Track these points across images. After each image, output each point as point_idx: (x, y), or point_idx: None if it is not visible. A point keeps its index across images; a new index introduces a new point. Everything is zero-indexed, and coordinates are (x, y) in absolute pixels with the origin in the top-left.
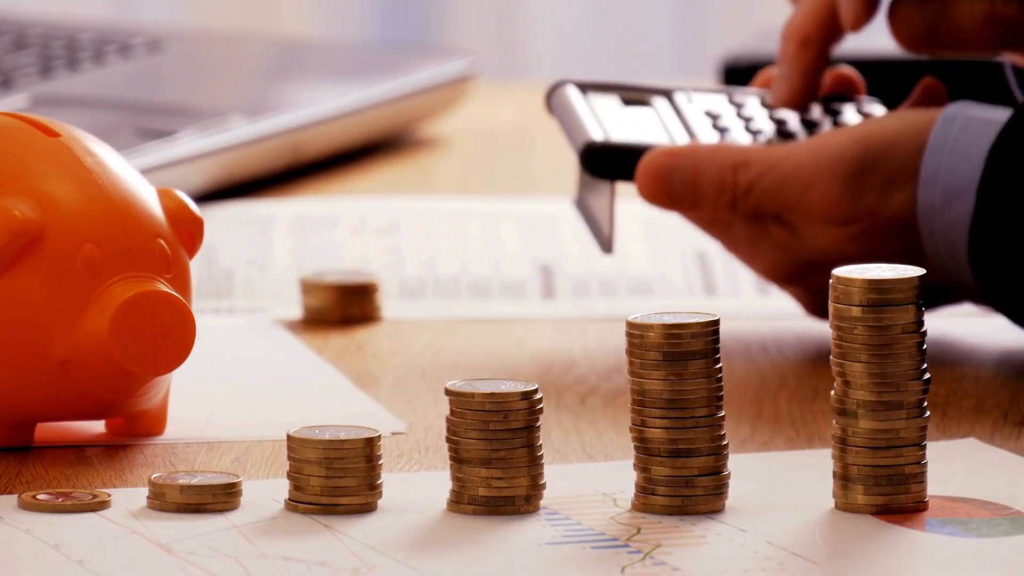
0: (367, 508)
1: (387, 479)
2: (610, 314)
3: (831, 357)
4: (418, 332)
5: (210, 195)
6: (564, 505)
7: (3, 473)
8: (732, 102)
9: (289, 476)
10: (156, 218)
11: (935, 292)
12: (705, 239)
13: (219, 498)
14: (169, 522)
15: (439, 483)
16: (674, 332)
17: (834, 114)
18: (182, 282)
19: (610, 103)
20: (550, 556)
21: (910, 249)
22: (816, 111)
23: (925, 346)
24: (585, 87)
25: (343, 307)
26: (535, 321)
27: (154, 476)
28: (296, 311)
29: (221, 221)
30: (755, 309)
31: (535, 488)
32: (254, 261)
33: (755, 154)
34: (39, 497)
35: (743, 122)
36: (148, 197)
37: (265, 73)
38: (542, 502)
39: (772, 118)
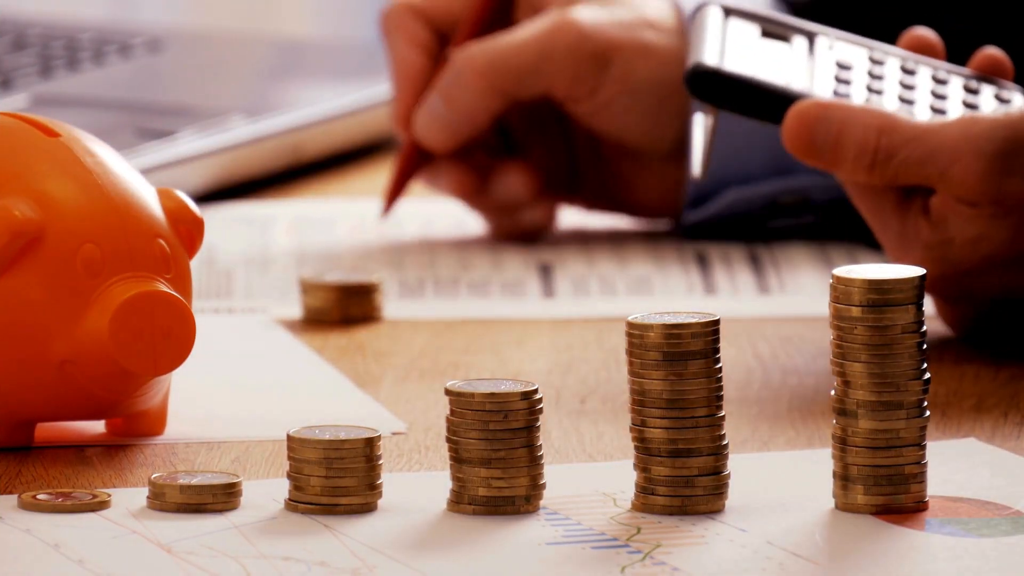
0: (367, 508)
1: (387, 479)
2: (610, 314)
3: (831, 357)
4: (418, 332)
5: (210, 195)
6: (564, 505)
7: (3, 473)
8: (871, 59)
9: (289, 476)
10: (156, 218)
11: None
12: (706, 242)
13: (219, 498)
14: (169, 522)
15: (439, 483)
16: (674, 332)
17: (971, 92)
18: (182, 282)
19: (748, 31)
20: (550, 556)
21: None
22: (953, 85)
23: (925, 346)
24: (730, 12)
25: (343, 307)
26: (535, 321)
27: (154, 476)
28: (296, 311)
29: (221, 221)
30: (755, 309)
31: (535, 488)
32: (254, 261)
33: (902, 122)
34: (39, 497)
35: (869, 80)
36: (148, 197)
37: (265, 73)
38: (542, 502)
39: (903, 84)
